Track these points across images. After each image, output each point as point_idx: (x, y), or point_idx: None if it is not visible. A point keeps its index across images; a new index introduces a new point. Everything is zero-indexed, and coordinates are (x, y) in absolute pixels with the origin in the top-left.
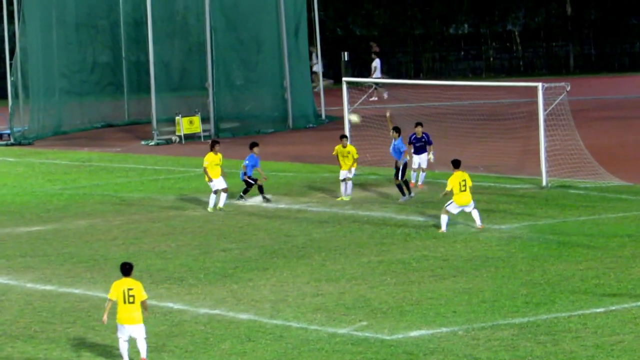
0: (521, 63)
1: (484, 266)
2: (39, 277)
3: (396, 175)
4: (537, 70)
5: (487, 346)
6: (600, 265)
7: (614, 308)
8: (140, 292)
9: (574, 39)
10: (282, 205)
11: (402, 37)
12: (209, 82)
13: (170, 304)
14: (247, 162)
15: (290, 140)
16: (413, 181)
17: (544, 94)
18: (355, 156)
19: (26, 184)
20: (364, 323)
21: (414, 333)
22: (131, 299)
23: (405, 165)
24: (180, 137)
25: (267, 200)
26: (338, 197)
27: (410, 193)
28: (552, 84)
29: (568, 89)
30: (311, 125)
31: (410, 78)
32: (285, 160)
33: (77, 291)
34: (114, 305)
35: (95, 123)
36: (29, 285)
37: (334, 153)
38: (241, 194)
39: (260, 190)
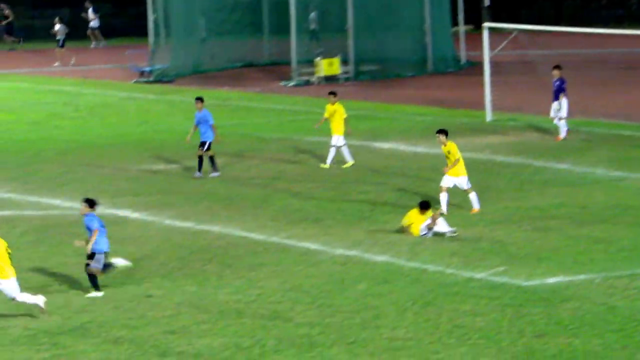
0: None
1: (623, 214)
2: (177, 214)
3: (202, 145)
4: None
5: (624, 295)
6: None
7: None
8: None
9: None
10: (419, 149)
11: None
12: (349, 24)
13: (307, 244)
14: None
15: (429, 84)
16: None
17: None
18: (344, 116)
19: (166, 122)
20: (501, 268)
21: (551, 280)
22: None
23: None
24: (319, 78)
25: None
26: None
27: (216, 170)
28: None
29: None
30: (451, 69)
31: (551, 24)
32: (424, 104)
33: (214, 228)
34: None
35: (235, 62)
36: (167, 222)
37: (325, 115)
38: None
39: None
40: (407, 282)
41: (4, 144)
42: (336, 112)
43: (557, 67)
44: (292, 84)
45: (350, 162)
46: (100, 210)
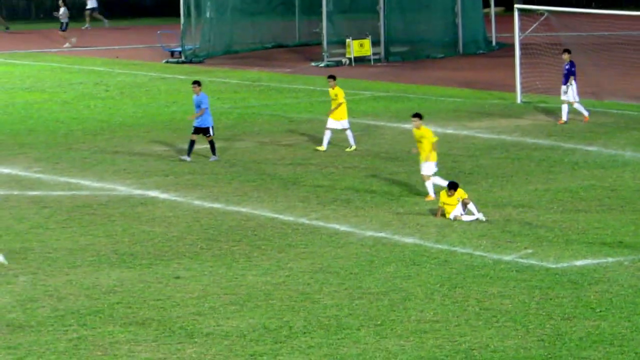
0: None
1: None
2: (207, 194)
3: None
4: None
5: None
6: None
7: None
8: None
9: None
10: (449, 131)
11: None
12: (380, 5)
13: (337, 226)
14: None
15: (459, 66)
16: (564, 119)
17: None
18: (341, 100)
19: None
20: (530, 251)
21: (579, 262)
22: None
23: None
24: (350, 59)
25: None
26: (318, 147)
27: (188, 156)
28: None
29: None
30: (481, 51)
31: (582, 6)
32: (454, 85)
33: (244, 209)
34: None
35: (266, 43)
36: (197, 202)
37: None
38: None
39: None
40: (435, 264)
41: (35, 123)
42: (337, 96)
43: (566, 50)
44: (322, 64)
45: (323, 147)
46: (129, 190)
